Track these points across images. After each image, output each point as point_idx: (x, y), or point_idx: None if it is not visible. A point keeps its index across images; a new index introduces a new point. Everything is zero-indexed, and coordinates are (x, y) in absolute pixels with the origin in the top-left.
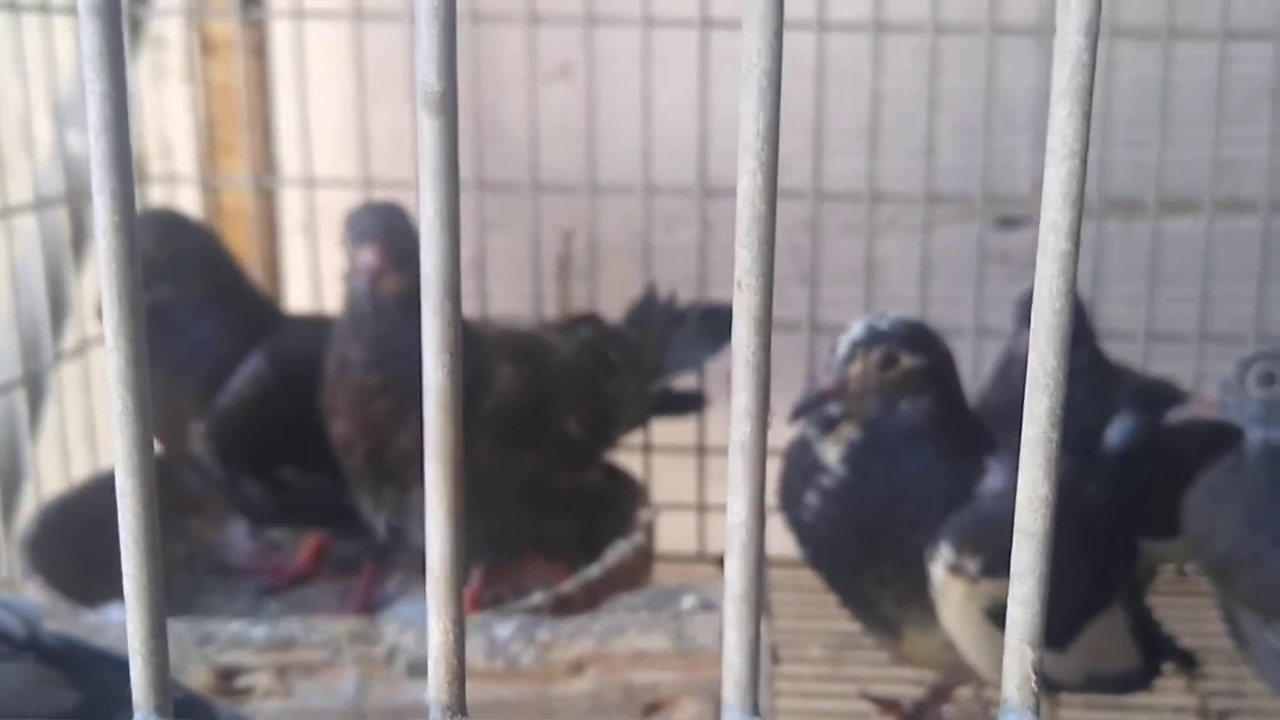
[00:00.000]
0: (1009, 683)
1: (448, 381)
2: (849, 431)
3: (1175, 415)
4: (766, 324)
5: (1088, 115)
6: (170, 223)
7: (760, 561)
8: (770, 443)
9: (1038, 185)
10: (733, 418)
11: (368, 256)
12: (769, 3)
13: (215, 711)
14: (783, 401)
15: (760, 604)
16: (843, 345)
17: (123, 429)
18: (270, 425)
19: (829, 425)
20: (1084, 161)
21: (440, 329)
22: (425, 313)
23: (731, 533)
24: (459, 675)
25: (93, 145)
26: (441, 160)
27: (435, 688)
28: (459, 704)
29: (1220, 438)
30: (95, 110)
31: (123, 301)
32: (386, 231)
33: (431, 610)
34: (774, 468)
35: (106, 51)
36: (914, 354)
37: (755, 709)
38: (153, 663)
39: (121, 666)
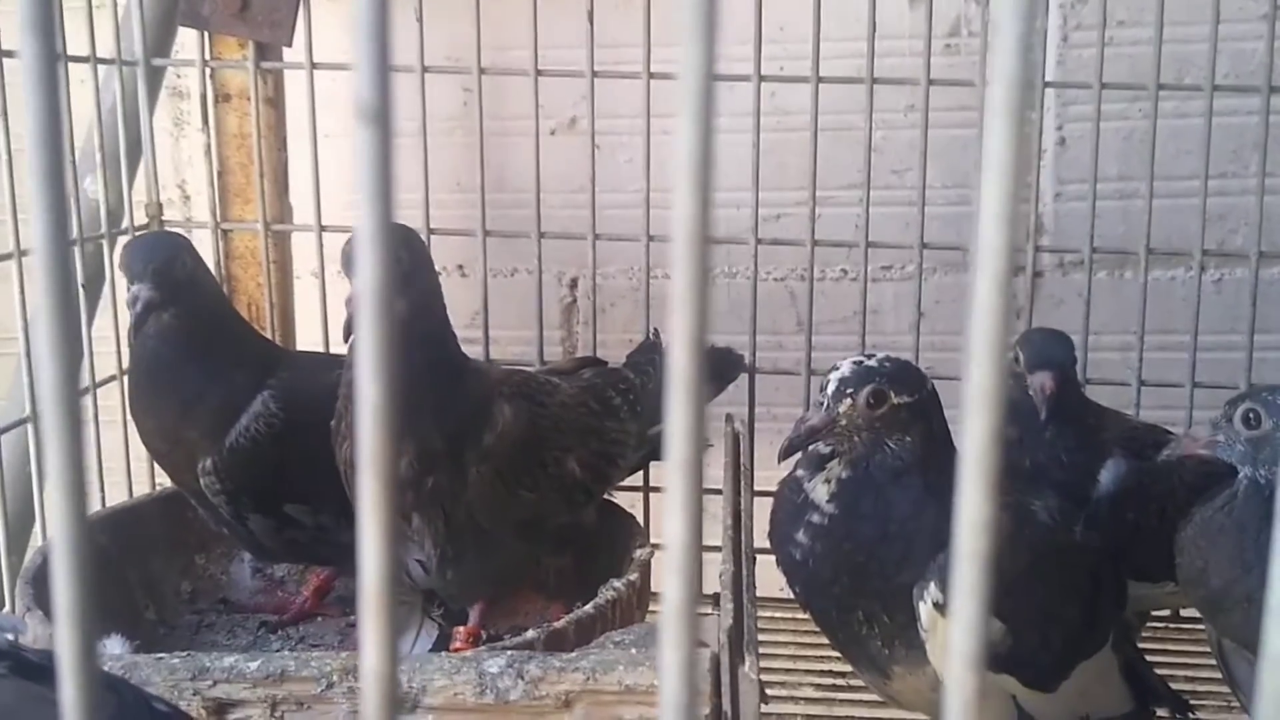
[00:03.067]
0: (951, 709)
1: (382, 397)
2: (838, 470)
3: (1166, 453)
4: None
5: (1019, 138)
6: (189, 245)
7: (697, 580)
8: (758, 484)
9: (1030, 233)
10: (669, 438)
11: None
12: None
13: None
14: (775, 443)
15: (695, 621)
16: (832, 383)
17: (55, 439)
18: (278, 463)
19: (819, 464)
20: (1017, 181)
21: (374, 343)
22: (360, 327)
23: (669, 552)
24: (391, 698)
25: (30, 157)
26: (377, 173)
27: (368, 710)
28: None
29: (1209, 480)
30: (35, 126)
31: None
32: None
33: (364, 629)
34: (766, 507)
35: (41, 67)
36: (901, 392)
37: None
38: (80, 673)
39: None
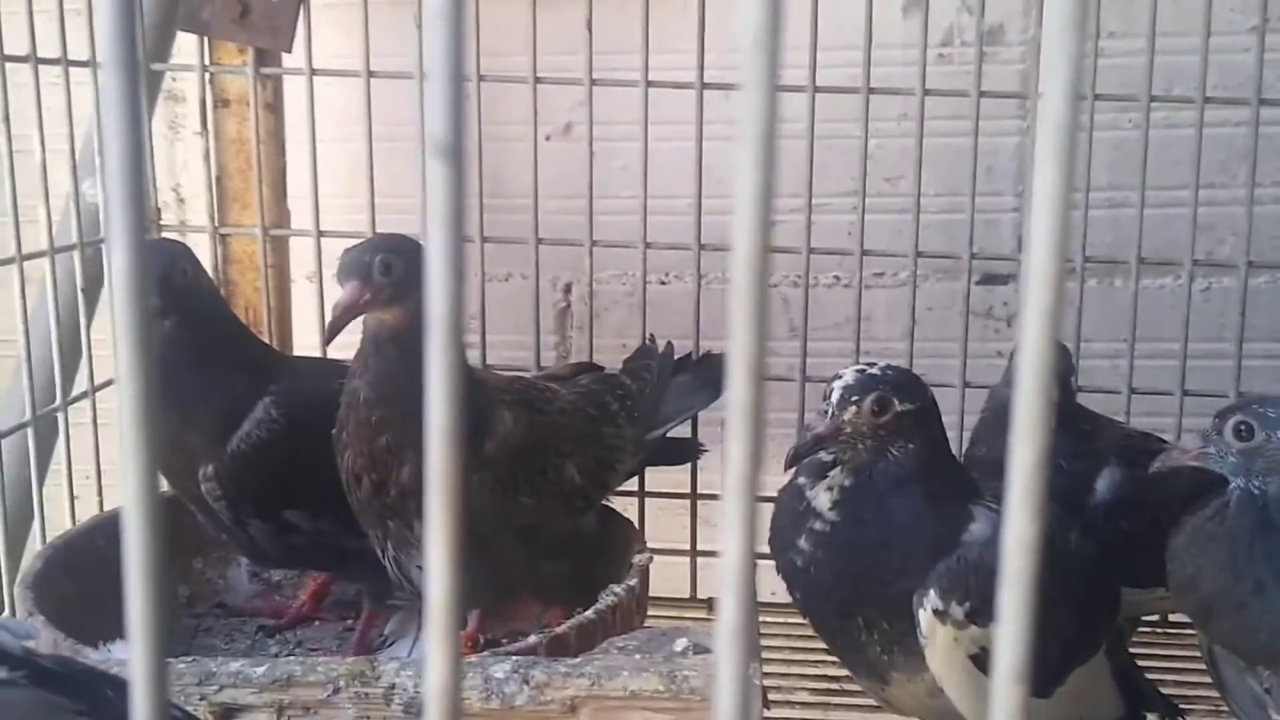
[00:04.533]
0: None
1: (452, 422)
2: (841, 478)
3: (1157, 464)
4: (760, 373)
5: (1069, 174)
6: (189, 252)
7: (753, 601)
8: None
9: (1020, 243)
10: (727, 462)
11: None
12: (766, 67)
13: None
14: (773, 449)
15: (752, 644)
16: (836, 391)
17: (133, 465)
18: (279, 469)
19: (821, 471)
20: (1066, 217)
21: (445, 371)
22: (431, 354)
23: (724, 573)
24: (456, 714)
25: (110, 190)
26: (449, 207)
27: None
28: None
29: (1201, 488)
30: (114, 156)
31: (135, 342)
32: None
33: (430, 646)
34: (763, 512)
35: (125, 102)
36: (905, 399)
37: None
38: (154, 698)
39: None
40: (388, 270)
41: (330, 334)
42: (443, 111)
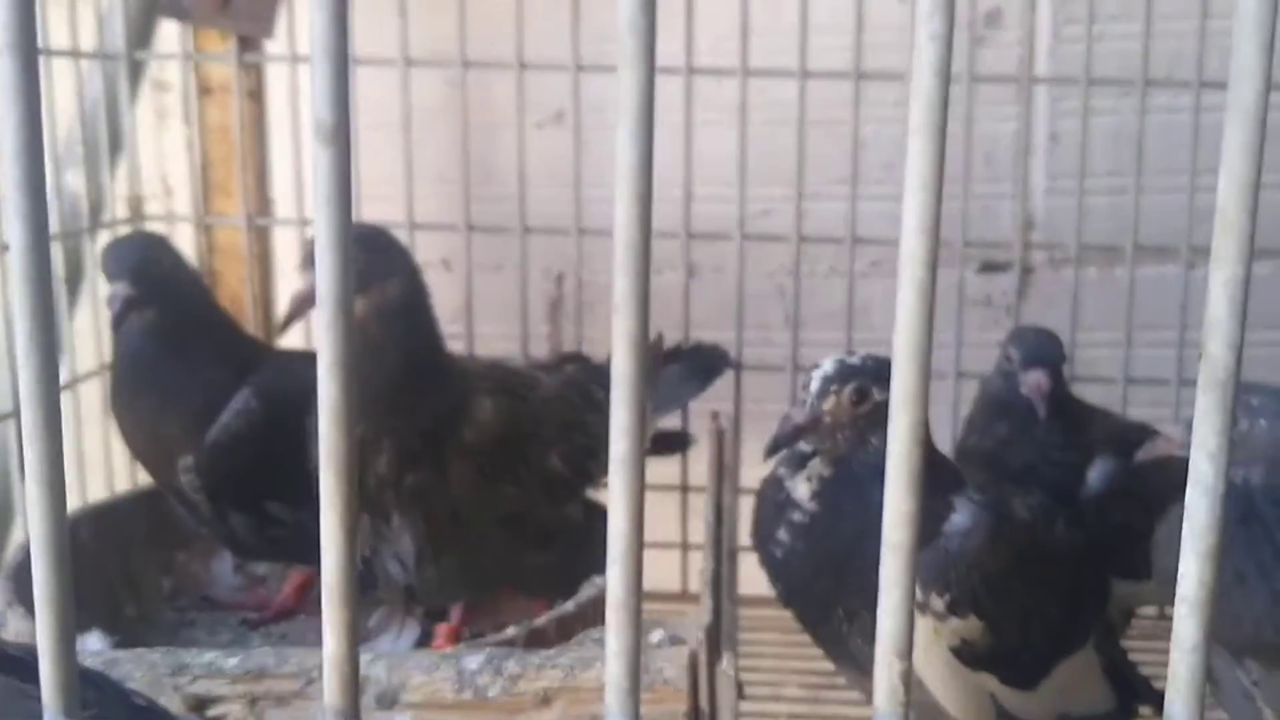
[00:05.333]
0: (879, 692)
1: (340, 394)
2: (820, 468)
3: (1142, 454)
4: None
5: (940, 153)
6: (165, 243)
7: (638, 569)
8: (746, 481)
9: (1019, 230)
10: (612, 433)
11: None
12: (641, 48)
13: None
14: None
15: (639, 611)
16: (816, 381)
17: (32, 435)
18: (258, 460)
19: (801, 462)
20: (937, 196)
21: (333, 343)
22: (320, 328)
23: (611, 542)
24: (352, 682)
25: (7, 171)
26: (334, 187)
27: (329, 693)
28: (353, 710)
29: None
30: (9, 137)
31: (36, 319)
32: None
33: (326, 618)
34: (749, 505)
35: (21, 84)
36: (885, 388)
37: (636, 715)
38: (60, 665)
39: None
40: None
41: (285, 324)
42: (324, 94)
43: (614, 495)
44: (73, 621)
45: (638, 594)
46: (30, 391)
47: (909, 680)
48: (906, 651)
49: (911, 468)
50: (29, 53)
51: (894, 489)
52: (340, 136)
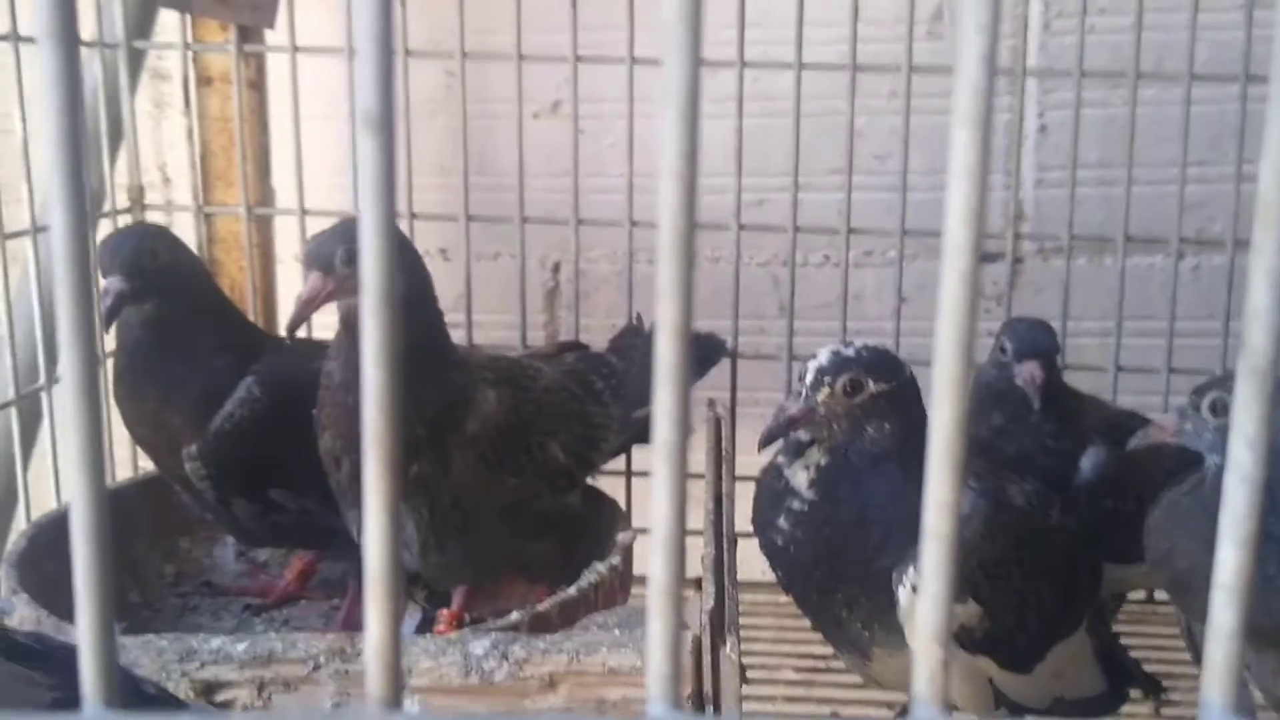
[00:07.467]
0: (918, 677)
1: (387, 382)
2: (818, 457)
3: (1135, 441)
4: (687, 333)
5: (986, 141)
6: (162, 235)
7: (681, 556)
8: (741, 469)
9: (1010, 220)
10: (655, 420)
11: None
12: (687, 35)
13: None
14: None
15: (680, 599)
16: (810, 372)
17: (76, 427)
18: (262, 448)
19: (799, 451)
20: (983, 185)
21: (378, 331)
22: (365, 315)
23: (656, 528)
24: (395, 670)
25: (50, 164)
26: (379, 175)
27: (373, 681)
28: (395, 698)
29: (1185, 465)
30: (53, 128)
31: (77, 323)
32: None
33: (370, 606)
34: (749, 491)
35: (64, 75)
36: (879, 379)
37: (680, 701)
38: (100, 655)
39: None
40: (350, 260)
41: (292, 326)
42: (370, 84)
43: (658, 482)
44: (112, 610)
45: (681, 580)
46: (72, 376)
47: (948, 666)
48: (946, 639)
49: (954, 458)
50: (69, 41)
51: (936, 478)
52: (385, 125)
